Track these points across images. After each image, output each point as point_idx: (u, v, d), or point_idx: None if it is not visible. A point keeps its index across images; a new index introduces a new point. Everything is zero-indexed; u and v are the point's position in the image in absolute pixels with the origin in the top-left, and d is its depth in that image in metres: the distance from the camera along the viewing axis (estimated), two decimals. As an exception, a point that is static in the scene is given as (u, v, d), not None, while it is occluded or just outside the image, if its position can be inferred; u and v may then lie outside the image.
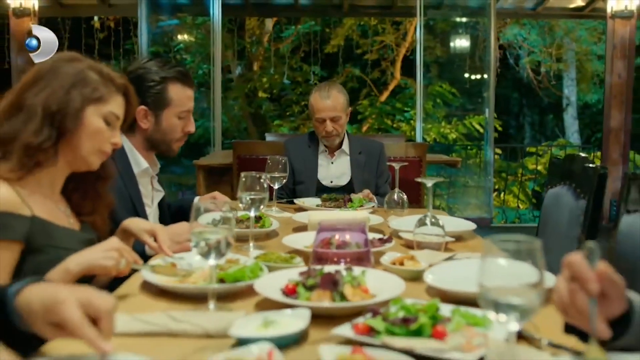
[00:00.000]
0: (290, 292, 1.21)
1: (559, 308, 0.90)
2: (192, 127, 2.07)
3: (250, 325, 1.02)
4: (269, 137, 5.66)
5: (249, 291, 1.26)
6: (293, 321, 1.04)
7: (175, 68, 2.05)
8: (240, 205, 1.67)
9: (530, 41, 10.72)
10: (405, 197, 2.25)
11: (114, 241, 1.28)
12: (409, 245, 1.75)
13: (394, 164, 2.26)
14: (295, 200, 2.53)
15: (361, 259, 1.45)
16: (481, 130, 8.52)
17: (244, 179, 1.66)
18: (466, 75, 9.43)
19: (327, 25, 10.07)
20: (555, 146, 9.26)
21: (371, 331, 1.01)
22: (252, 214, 1.69)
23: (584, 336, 0.90)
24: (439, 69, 10.07)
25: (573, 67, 11.65)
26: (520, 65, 11.34)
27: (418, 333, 0.99)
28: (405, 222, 1.97)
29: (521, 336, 1.04)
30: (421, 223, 1.73)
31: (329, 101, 2.73)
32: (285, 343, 0.97)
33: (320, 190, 2.74)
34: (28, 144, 1.27)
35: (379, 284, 1.25)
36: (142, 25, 6.42)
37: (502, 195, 8.24)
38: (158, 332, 1.06)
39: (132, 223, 1.49)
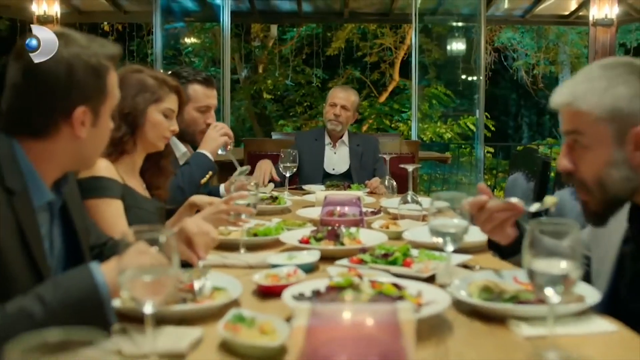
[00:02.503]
0: (304, 242, 1.69)
1: (481, 228, 1.37)
2: (212, 120, 2.57)
3: (280, 258, 1.50)
4: (275, 136, 6.17)
5: (275, 244, 1.75)
6: (308, 256, 1.52)
7: (199, 73, 2.57)
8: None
9: (523, 44, 11.14)
10: (394, 183, 2.73)
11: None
12: (395, 218, 2.21)
13: (385, 156, 2.73)
14: (304, 187, 3.02)
15: (356, 224, 1.93)
16: (474, 129, 8.96)
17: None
18: (462, 77, 9.88)
19: (328, 28, 10.48)
20: (543, 144, 9.72)
21: (361, 261, 1.49)
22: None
23: (500, 252, 1.39)
24: (437, 71, 10.50)
25: (567, 69, 12.05)
26: (515, 68, 11.77)
27: (393, 263, 1.47)
28: (393, 201, 2.44)
29: (465, 266, 1.51)
30: (404, 200, 2.21)
31: (344, 93, 3.37)
32: (304, 269, 1.44)
33: (324, 176, 3.24)
34: (112, 138, 1.75)
35: (369, 238, 1.73)
36: (156, 32, 6.87)
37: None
38: (214, 264, 1.53)
39: (197, 198, 1.96)
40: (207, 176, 2.36)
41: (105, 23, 9.38)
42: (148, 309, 0.90)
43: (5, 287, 1.07)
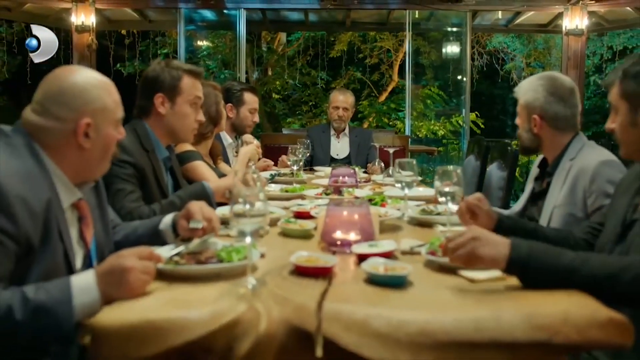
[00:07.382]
0: (319, 195, 2.60)
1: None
2: (257, 119, 3.51)
3: (304, 202, 2.42)
4: (285, 131, 7.16)
5: (299, 197, 2.66)
6: (322, 201, 2.43)
7: (247, 84, 3.52)
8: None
9: (513, 48, 11.96)
10: (382, 164, 3.65)
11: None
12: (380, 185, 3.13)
13: (375, 144, 3.66)
14: (315, 167, 3.96)
15: (353, 187, 2.85)
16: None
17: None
18: (456, 78, 10.70)
19: (332, 31, 11.28)
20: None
21: (355, 204, 2.40)
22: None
23: None
24: (433, 72, 11.30)
25: (557, 71, 12.85)
26: (505, 70, 12.60)
27: (375, 204, 2.38)
28: (380, 177, 3.36)
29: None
30: (387, 174, 3.13)
31: (343, 97, 4.35)
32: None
33: (331, 160, 4.20)
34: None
35: (361, 193, 2.65)
36: (180, 39, 7.76)
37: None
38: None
39: None
40: None
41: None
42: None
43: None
